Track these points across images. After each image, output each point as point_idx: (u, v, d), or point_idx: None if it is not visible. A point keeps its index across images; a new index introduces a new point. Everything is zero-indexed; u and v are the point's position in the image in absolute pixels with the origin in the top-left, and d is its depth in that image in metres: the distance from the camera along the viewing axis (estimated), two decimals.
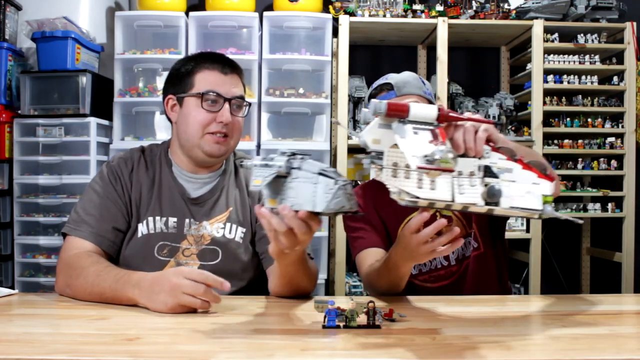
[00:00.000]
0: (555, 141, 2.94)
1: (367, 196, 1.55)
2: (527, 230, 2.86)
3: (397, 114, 0.95)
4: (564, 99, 2.94)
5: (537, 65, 2.87)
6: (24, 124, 2.66)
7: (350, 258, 1.57)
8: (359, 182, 2.80)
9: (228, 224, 1.42)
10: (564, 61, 2.91)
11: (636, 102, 2.94)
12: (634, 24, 2.91)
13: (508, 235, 2.82)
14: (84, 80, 2.65)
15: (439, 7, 2.92)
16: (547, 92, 2.91)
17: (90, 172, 2.59)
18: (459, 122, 1.00)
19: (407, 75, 1.50)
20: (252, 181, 1.01)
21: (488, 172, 0.99)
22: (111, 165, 1.44)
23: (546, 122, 2.89)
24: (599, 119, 2.95)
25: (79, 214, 1.37)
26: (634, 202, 2.92)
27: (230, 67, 1.42)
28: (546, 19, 2.88)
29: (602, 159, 2.95)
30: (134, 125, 2.87)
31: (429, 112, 0.96)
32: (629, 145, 2.91)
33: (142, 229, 1.39)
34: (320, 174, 0.98)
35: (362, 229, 1.51)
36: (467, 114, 1.03)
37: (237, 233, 1.41)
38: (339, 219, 2.49)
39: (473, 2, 2.94)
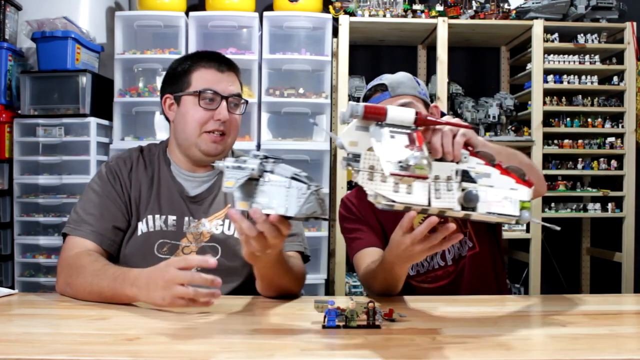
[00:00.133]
0: (555, 141, 2.94)
1: (365, 197, 1.55)
2: (527, 230, 2.86)
3: (375, 116, 0.94)
4: (564, 99, 2.94)
5: (537, 65, 2.87)
6: (24, 124, 2.66)
7: (350, 258, 1.57)
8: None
9: (227, 221, 1.42)
10: (564, 61, 2.91)
11: (636, 102, 2.94)
12: (634, 24, 2.91)
13: (508, 235, 2.83)
14: (84, 80, 2.65)
15: (439, 7, 2.92)
16: (547, 92, 2.91)
17: (90, 172, 2.60)
18: (437, 126, 1.00)
19: (401, 75, 1.48)
20: (224, 182, 1.00)
21: (466, 176, 0.99)
22: (110, 165, 1.44)
23: (546, 122, 2.90)
24: (599, 119, 2.95)
25: (79, 214, 1.37)
26: (634, 202, 2.92)
27: (226, 65, 1.43)
28: (546, 19, 2.88)
29: (602, 159, 2.95)
30: (134, 125, 2.87)
31: (407, 115, 0.96)
32: (629, 145, 2.91)
33: (141, 227, 1.40)
34: (293, 178, 0.98)
35: (358, 230, 1.50)
36: (445, 118, 1.02)
37: (235, 229, 1.42)
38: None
39: (473, 2, 2.95)
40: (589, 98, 2.96)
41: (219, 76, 1.40)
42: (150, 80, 2.87)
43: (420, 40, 3.19)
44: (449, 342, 0.93)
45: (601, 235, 3.24)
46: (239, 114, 1.44)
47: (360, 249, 1.47)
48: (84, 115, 2.65)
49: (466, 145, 1.01)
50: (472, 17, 2.91)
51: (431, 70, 3.19)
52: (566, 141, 2.94)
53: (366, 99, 1.48)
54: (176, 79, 1.42)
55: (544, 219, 2.86)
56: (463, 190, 0.98)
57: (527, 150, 2.89)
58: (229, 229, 1.42)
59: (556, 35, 2.92)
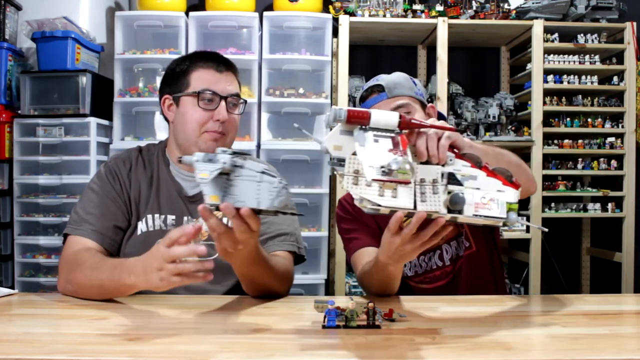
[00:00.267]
0: (555, 141, 2.94)
1: None
2: (527, 230, 2.86)
3: (358, 120, 0.94)
4: (564, 99, 2.94)
5: (537, 65, 2.87)
6: (24, 124, 2.66)
7: (348, 258, 1.57)
8: None
9: (224, 219, 1.42)
10: (564, 61, 2.91)
11: (636, 102, 2.94)
12: (634, 24, 2.91)
13: (508, 235, 2.84)
14: (84, 80, 2.66)
15: (439, 7, 2.92)
16: (547, 92, 2.91)
17: (90, 172, 2.60)
18: (422, 129, 0.99)
19: (397, 76, 1.47)
20: (198, 175, 1.00)
21: (452, 179, 0.98)
22: (109, 165, 1.45)
23: (546, 122, 2.90)
24: (599, 119, 2.96)
25: (79, 214, 1.37)
26: (634, 202, 2.92)
27: (224, 65, 1.43)
28: (546, 19, 2.88)
29: (602, 159, 2.95)
30: (134, 125, 2.87)
31: (391, 119, 0.95)
32: (629, 145, 2.92)
33: (141, 226, 1.40)
34: (263, 172, 0.98)
35: (355, 230, 1.50)
36: (430, 121, 1.02)
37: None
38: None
39: (473, 2, 2.95)
40: (589, 98, 2.96)
41: (218, 76, 1.40)
42: (150, 80, 2.87)
43: (420, 40, 3.19)
44: (449, 342, 0.93)
45: (601, 235, 3.24)
46: (237, 114, 1.44)
47: (357, 249, 1.47)
48: (84, 115, 2.65)
49: (452, 147, 1.00)
50: (472, 17, 2.91)
51: (431, 70, 3.19)
52: (566, 141, 2.94)
53: (363, 99, 1.48)
54: (175, 79, 1.42)
55: (544, 219, 2.88)
56: (449, 193, 0.97)
57: (527, 150, 2.89)
58: None
59: (556, 35, 2.92)
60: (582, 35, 2.93)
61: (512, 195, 1.00)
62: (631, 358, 0.86)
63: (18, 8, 2.80)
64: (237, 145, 1.55)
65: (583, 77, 2.93)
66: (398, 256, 1.10)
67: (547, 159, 2.94)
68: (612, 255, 3.02)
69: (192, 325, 1.04)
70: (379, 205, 0.91)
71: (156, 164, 1.46)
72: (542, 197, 2.86)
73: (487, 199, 0.98)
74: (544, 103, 2.89)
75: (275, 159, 2.74)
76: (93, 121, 2.64)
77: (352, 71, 2.98)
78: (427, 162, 0.98)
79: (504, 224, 1.00)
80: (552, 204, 2.95)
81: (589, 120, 2.95)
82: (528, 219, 2.87)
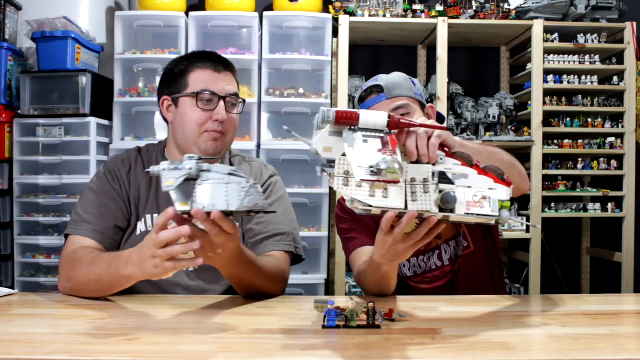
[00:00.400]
0: (555, 141, 2.94)
1: None
2: (527, 230, 2.86)
3: (347, 121, 0.94)
4: (564, 99, 2.94)
5: (537, 65, 2.87)
6: (24, 124, 2.66)
7: (346, 258, 1.57)
8: None
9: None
10: (564, 61, 2.91)
11: (636, 102, 2.94)
12: (634, 24, 2.91)
13: (508, 235, 2.84)
14: (84, 80, 2.66)
15: (439, 7, 2.92)
16: (547, 92, 2.91)
17: (90, 172, 2.60)
18: (412, 129, 0.99)
19: (396, 76, 1.47)
20: (164, 183, 1.00)
21: (443, 178, 0.98)
22: (108, 165, 1.45)
23: (546, 122, 2.90)
24: (599, 119, 2.95)
25: (79, 215, 1.37)
26: (634, 202, 2.92)
27: (222, 65, 1.43)
28: (546, 19, 2.88)
29: (602, 159, 2.95)
30: (134, 125, 2.87)
31: (379, 119, 0.95)
32: (629, 145, 2.92)
33: (140, 226, 1.40)
34: (231, 174, 0.98)
35: (354, 230, 1.50)
36: (420, 120, 1.02)
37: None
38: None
39: (473, 2, 2.95)
40: (589, 98, 2.96)
41: (216, 76, 1.40)
42: (150, 80, 2.87)
43: (420, 40, 3.19)
44: (448, 342, 0.93)
45: (601, 235, 3.24)
46: (236, 114, 1.44)
47: (356, 248, 1.47)
48: (84, 115, 2.65)
49: (442, 146, 1.00)
50: (472, 17, 2.91)
51: (431, 70, 3.19)
52: (566, 141, 2.94)
53: (362, 100, 1.47)
54: (173, 80, 1.42)
55: (544, 219, 2.88)
56: (440, 192, 0.97)
57: (527, 150, 2.89)
58: None
59: (556, 35, 2.92)
60: (582, 35, 2.93)
61: (504, 193, 1.00)
62: (631, 358, 0.86)
63: (18, 8, 2.80)
64: (237, 145, 1.55)
65: (583, 77, 2.93)
66: (391, 255, 1.10)
67: (547, 159, 2.94)
68: (612, 255, 3.02)
69: (191, 325, 1.04)
70: (370, 206, 0.91)
71: (155, 164, 1.46)
72: (542, 197, 2.86)
73: (479, 197, 0.98)
74: (544, 103, 2.89)
75: (275, 159, 2.74)
76: (93, 121, 2.65)
77: (352, 71, 2.98)
78: (418, 162, 0.98)
79: (497, 222, 1.00)
80: (552, 204, 2.95)
81: (589, 120, 2.95)
82: (528, 219, 2.87)
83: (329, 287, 2.89)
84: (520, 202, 2.98)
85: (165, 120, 1.47)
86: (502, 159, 1.21)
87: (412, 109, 1.41)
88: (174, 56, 1.50)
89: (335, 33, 2.89)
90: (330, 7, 2.91)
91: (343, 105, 2.80)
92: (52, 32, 2.63)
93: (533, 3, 2.89)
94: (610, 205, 2.94)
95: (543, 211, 2.88)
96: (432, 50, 3.14)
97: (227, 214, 1.00)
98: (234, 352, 0.88)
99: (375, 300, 1.10)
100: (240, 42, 2.89)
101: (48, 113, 2.67)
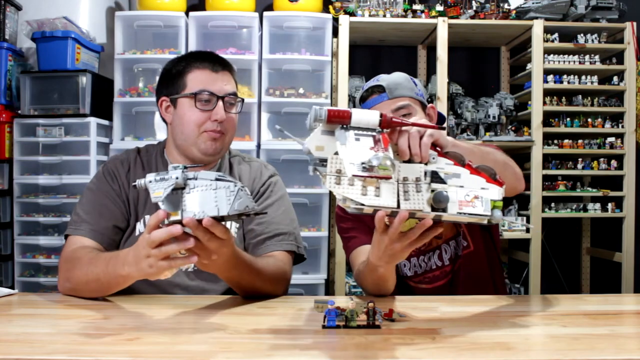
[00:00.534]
0: (555, 141, 2.94)
1: None
2: (527, 230, 2.86)
3: (339, 120, 0.94)
4: (564, 99, 2.94)
5: (537, 65, 2.87)
6: (24, 124, 2.66)
7: (347, 257, 1.57)
8: None
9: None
10: (564, 61, 2.91)
11: (636, 102, 2.94)
12: (634, 24, 2.91)
13: (508, 235, 2.83)
14: (84, 80, 2.66)
15: (439, 7, 2.92)
16: (547, 92, 2.91)
17: (90, 172, 2.60)
18: (404, 128, 0.99)
19: (398, 76, 1.47)
20: (152, 194, 1.00)
21: (435, 177, 0.98)
22: (107, 166, 1.45)
23: (546, 122, 2.90)
24: (599, 119, 2.95)
25: (79, 215, 1.37)
26: (634, 202, 2.92)
27: (220, 64, 1.43)
28: (546, 19, 2.88)
29: (602, 159, 2.95)
30: (134, 125, 2.87)
31: (371, 118, 0.95)
32: (629, 145, 2.91)
33: (139, 227, 1.40)
34: (218, 179, 0.98)
35: (354, 229, 1.50)
36: (413, 119, 1.02)
37: (231, 227, 1.42)
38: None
39: (473, 2, 2.95)
40: (589, 98, 2.96)
41: (214, 76, 1.40)
42: (150, 80, 2.87)
43: (420, 40, 3.19)
44: (448, 342, 0.93)
45: (601, 235, 3.24)
46: (235, 113, 1.44)
47: (355, 247, 1.47)
48: (84, 115, 2.65)
49: (434, 146, 1.00)
50: (472, 17, 2.91)
51: (431, 70, 3.19)
52: (566, 141, 2.94)
53: (363, 100, 1.48)
54: (171, 81, 1.42)
55: (544, 219, 2.88)
56: (432, 191, 0.97)
57: (527, 150, 2.89)
58: None
59: (556, 35, 2.92)
60: (582, 35, 2.93)
61: (496, 192, 1.00)
62: (631, 358, 0.86)
63: (18, 8, 2.80)
64: (237, 145, 1.55)
65: (583, 77, 2.93)
66: (388, 257, 1.09)
67: (547, 159, 2.94)
68: (612, 255, 3.02)
69: (191, 325, 1.04)
70: (362, 205, 0.91)
71: (155, 165, 1.46)
72: (542, 197, 2.86)
73: (471, 197, 0.98)
74: (544, 103, 2.89)
75: (275, 159, 2.74)
76: (93, 121, 2.65)
77: (352, 71, 2.98)
78: (410, 161, 0.98)
79: (489, 222, 1.00)
80: (552, 204, 2.95)
81: (589, 120, 2.95)
82: (528, 219, 2.87)
83: (329, 287, 2.89)
84: (520, 202, 2.98)
85: (164, 121, 1.47)
86: (496, 158, 1.21)
87: (413, 109, 1.41)
88: (174, 56, 1.50)
89: (335, 33, 2.89)
90: (330, 7, 2.91)
91: (343, 105, 2.80)
92: (52, 32, 2.63)
93: (533, 3, 2.89)
94: (610, 205, 2.94)
95: (543, 211, 2.88)
96: (432, 50, 3.14)
97: (218, 219, 1.00)
98: (234, 352, 0.88)
99: (375, 300, 1.09)
100: (240, 42, 2.89)
101: (48, 113, 2.67)
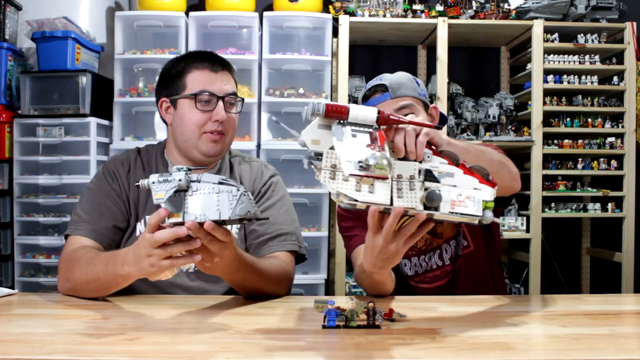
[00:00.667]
0: (555, 141, 2.94)
1: None
2: (527, 230, 2.86)
3: (336, 115, 0.94)
4: (564, 99, 2.94)
5: (537, 65, 2.87)
6: (24, 124, 2.66)
7: (349, 258, 1.57)
8: None
9: None
10: (564, 61, 2.91)
11: (636, 102, 2.94)
12: (634, 24, 2.91)
13: (508, 235, 2.83)
14: (84, 80, 2.66)
15: (439, 7, 2.92)
16: (547, 92, 2.91)
17: (90, 172, 2.60)
18: (400, 125, 0.99)
19: (401, 76, 1.47)
20: (154, 195, 1.00)
21: (429, 176, 0.98)
22: (108, 166, 1.45)
23: (546, 122, 2.90)
24: (599, 119, 2.95)
25: (79, 215, 1.37)
26: (634, 202, 2.92)
27: (220, 64, 1.42)
28: (546, 19, 2.88)
29: (602, 159, 2.95)
30: (134, 125, 2.87)
31: (369, 114, 0.95)
32: (629, 145, 2.91)
33: (140, 227, 1.40)
34: (221, 183, 0.98)
35: (355, 228, 1.50)
36: (409, 117, 1.02)
37: (232, 228, 1.42)
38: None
39: (473, 2, 2.95)
40: (589, 98, 2.95)
41: (213, 76, 1.40)
42: (150, 80, 2.87)
43: (420, 40, 3.19)
44: (448, 342, 0.93)
45: (601, 235, 3.24)
46: (235, 113, 1.44)
47: (357, 246, 1.47)
48: (84, 115, 2.65)
49: (429, 144, 1.00)
50: (472, 17, 2.91)
51: (431, 70, 3.19)
52: (566, 141, 2.94)
53: (366, 99, 1.48)
54: (171, 81, 1.42)
55: (544, 219, 2.88)
56: (426, 189, 0.97)
57: (527, 150, 2.89)
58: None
59: (556, 35, 2.92)
60: (582, 35, 2.93)
61: (488, 193, 1.00)
62: (631, 358, 0.86)
63: (18, 8, 2.80)
64: (237, 145, 1.55)
65: (583, 77, 2.93)
66: (381, 261, 1.07)
67: (547, 159, 2.93)
68: (612, 255, 3.02)
69: (191, 325, 1.04)
70: (356, 200, 0.91)
71: (155, 165, 1.46)
72: (542, 197, 2.86)
73: (464, 197, 0.98)
74: (544, 103, 2.89)
75: (275, 159, 2.74)
76: (93, 121, 2.65)
77: (352, 71, 2.98)
78: (405, 159, 0.98)
79: (479, 222, 1.00)
80: (552, 204, 2.95)
81: (589, 120, 2.95)
82: (528, 219, 2.87)
83: (329, 287, 2.89)
84: (520, 202, 2.98)
85: (164, 121, 1.47)
86: (492, 157, 1.20)
87: (416, 109, 1.41)
88: (174, 56, 1.50)
89: (335, 33, 2.89)
90: (330, 7, 2.91)
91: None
92: (52, 32, 2.63)
93: (533, 3, 2.89)
94: (610, 205, 2.94)
95: (543, 211, 2.88)
96: (432, 50, 3.14)
97: (219, 223, 1.00)
98: (234, 352, 0.88)
99: (375, 300, 1.09)
100: (240, 42, 2.89)
101: (48, 113, 2.67)
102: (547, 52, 2.90)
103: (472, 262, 1.50)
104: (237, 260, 1.16)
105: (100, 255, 1.23)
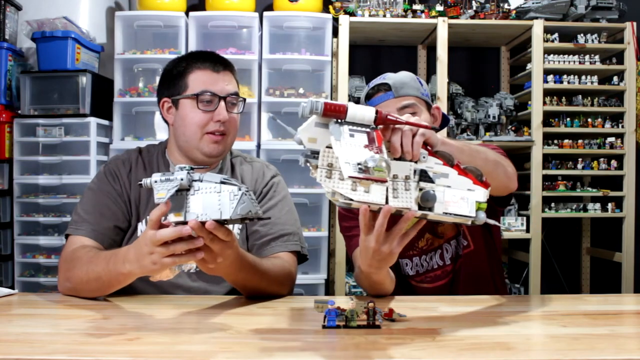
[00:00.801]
0: (555, 141, 2.94)
1: None
2: (527, 230, 2.86)
3: (334, 114, 0.93)
4: (564, 99, 2.94)
5: (537, 65, 2.87)
6: (24, 124, 2.66)
7: (350, 258, 1.57)
8: None
9: None
10: (564, 61, 2.91)
11: (636, 102, 2.94)
12: (634, 24, 2.91)
13: (508, 235, 2.83)
14: (84, 80, 2.66)
15: (439, 7, 2.92)
16: (547, 92, 2.91)
17: (91, 172, 2.60)
18: (397, 125, 0.99)
19: (404, 75, 1.48)
20: (156, 195, 1.00)
21: (424, 176, 0.98)
22: (109, 166, 1.45)
23: (546, 122, 2.90)
24: (599, 119, 2.95)
25: (80, 215, 1.37)
26: (634, 202, 2.92)
27: (221, 64, 1.42)
28: (546, 19, 2.88)
29: (602, 159, 2.95)
30: (134, 125, 2.87)
31: (367, 114, 0.95)
32: (629, 145, 2.91)
33: (141, 227, 1.40)
34: (223, 182, 0.99)
35: (356, 227, 1.50)
36: (405, 117, 1.02)
37: (234, 228, 1.42)
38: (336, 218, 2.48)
39: (473, 2, 2.95)
40: (589, 98, 2.95)
41: (215, 76, 1.40)
42: (150, 80, 2.87)
43: (420, 40, 3.19)
44: (448, 342, 0.93)
45: (601, 235, 3.24)
46: (237, 113, 1.44)
47: (358, 246, 1.47)
48: (84, 115, 2.65)
49: (425, 144, 1.00)
50: (472, 17, 2.91)
51: (431, 70, 3.19)
52: (566, 141, 2.93)
53: (369, 97, 1.48)
54: (172, 81, 1.42)
55: (544, 219, 2.88)
56: (421, 190, 0.97)
57: (527, 150, 2.89)
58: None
59: (556, 35, 2.92)
60: (582, 35, 2.93)
61: (482, 194, 1.00)
62: (631, 358, 0.86)
63: (18, 8, 2.80)
64: (237, 145, 1.54)
65: (583, 77, 2.93)
66: (377, 262, 1.07)
67: (547, 159, 2.93)
68: (612, 255, 3.02)
69: (191, 325, 1.04)
70: (351, 200, 0.91)
71: (156, 165, 1.46)
72: (542, 197, 2.86)
73: (458, 198, 0.98)
74: (544, 103, 2.89)
75: (275, 159, 2.74)
76: (93, 121, 2.64)
77: (352, 71, 2.98)
78: (401, 158, 0.98)
79: (472, 223, 1.00)
80: (552, 204, 2.95)
81: (589, 120, 2.95)
82: (528, 219, 2.87)
83: (329, 287, 2.89)
84: (520, 202, 2.98)
85: (166, 122, 1.47)
86: (486, 157, 1.20)
87: (418, 109, 1.42)
88: (174, 56, 1.50)
89: (335, 33, 2.89)
90: (330, 7, 2.91)
91: None
92: (52, 32, 2.63)
93: (533, 3, 2.89)
94: (610, 205, 2.94)
95: (543, 211, 2.88)
96: (432, 50, 3.14)
97: (221, 222, 1.01)
98: (234, 352, 0.88)
99: (375, 300, 1.09)
100: (240, 42, 2.89)
101: (48, 113, 2.67)
102: (547, 52, 2.90)
103: (473, 262, 1.50)
104: (239, 260, 1.16)
105: (101, 254, 1.23)
